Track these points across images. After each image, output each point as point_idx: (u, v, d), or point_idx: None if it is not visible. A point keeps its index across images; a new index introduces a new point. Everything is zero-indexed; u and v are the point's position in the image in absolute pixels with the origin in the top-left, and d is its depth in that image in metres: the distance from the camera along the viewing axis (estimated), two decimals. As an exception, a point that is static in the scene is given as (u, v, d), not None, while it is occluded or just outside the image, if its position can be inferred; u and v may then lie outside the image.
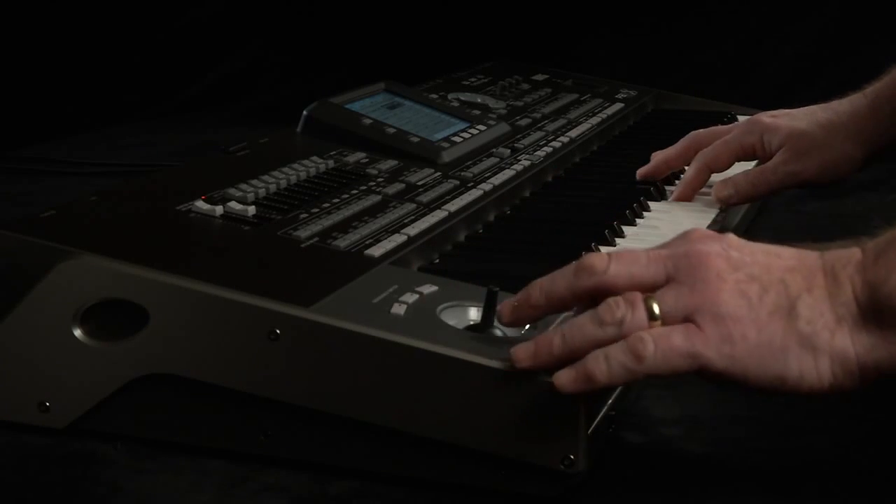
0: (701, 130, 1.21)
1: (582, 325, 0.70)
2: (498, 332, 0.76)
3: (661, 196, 1.17)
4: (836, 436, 0.82)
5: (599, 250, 0.98)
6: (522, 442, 0.71)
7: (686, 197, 1.16)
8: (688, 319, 0.68)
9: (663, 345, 0.67)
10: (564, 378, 0.69)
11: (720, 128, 1.22)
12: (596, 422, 0.73)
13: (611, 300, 0.69)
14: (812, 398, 0.68)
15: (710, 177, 1.17)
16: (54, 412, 0.80)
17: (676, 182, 1.20)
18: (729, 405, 0.86)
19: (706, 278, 0.68)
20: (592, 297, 0.71)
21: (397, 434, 0.74)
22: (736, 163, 1.18)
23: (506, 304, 0.74)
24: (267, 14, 2.19)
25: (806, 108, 1.17)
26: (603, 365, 0.68)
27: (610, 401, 0.76)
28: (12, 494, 0.75)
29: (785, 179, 1.14)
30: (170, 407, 0.79)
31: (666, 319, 0.68)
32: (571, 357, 0.69)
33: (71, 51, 1.89)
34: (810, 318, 0.68)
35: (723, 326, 0.67)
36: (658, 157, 1.21)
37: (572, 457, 0.70)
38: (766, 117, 1.18)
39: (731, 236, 0.72)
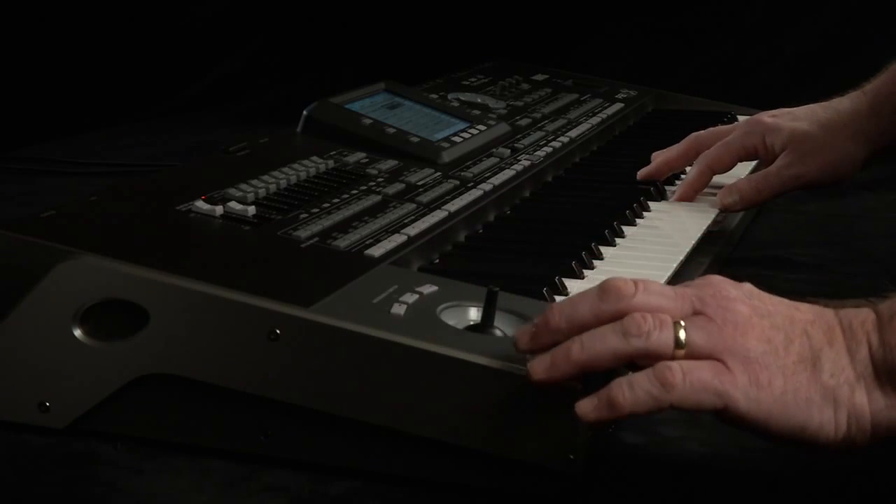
0: (702, 132, 1.21)
1: (603, 335, 0.68)
2: (498, 332, 0.76)
3: (661, 196, 1.17)
4: (836, 436, 0.82)
5: (599, 250, 0.98)
6: (522, 442, 0.71)
7: (687, 198, 1.16)
8: (713, 357, 0.67)
9: (692, 377, 0.66)
10: (586, 406, 0.67)
11: (721, 128, 1.22)
12: (596, 422, 0.73)
13: (637, 314, 0.68)
14: (824, 451, 0.68)
15: (712, 178, 1.17)
16: (54, 412, 0.80)
17: (677, 182, 1.20)
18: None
19: (736, 321, 0.68)
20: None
21: (397, 434, 0.74)
22: (738, 163, 1.18)
23: (523, 331, 0.72)
24: (267, 14, 2.19)
25: (806, 106, 1.17)
26: (627, 392, 0.66)
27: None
28: (12, 494, 0.75)
29: (788, 182, 1.14)
30: (170, 407, 0.79)
31: (691, 349, 0.67)
32: (589, 367, 0.68)
33: (71, 50, 1.89)
34: (833, 371, 0.68)
35: (751, 371, 0.67)
36: (659, 157, 1.21)
37: (572, 457, 0.70)
38: (767, 117, 1.18)
39: (749, 285, 0.71)
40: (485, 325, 0.76)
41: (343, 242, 0.88)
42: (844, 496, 0.75)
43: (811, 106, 1.17)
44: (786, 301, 0.71)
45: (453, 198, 1.03)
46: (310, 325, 0.74)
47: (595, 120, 1.41)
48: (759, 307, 0.69)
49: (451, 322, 0.77)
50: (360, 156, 1.10)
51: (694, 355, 0.67)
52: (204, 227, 0.88)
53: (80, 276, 0.78)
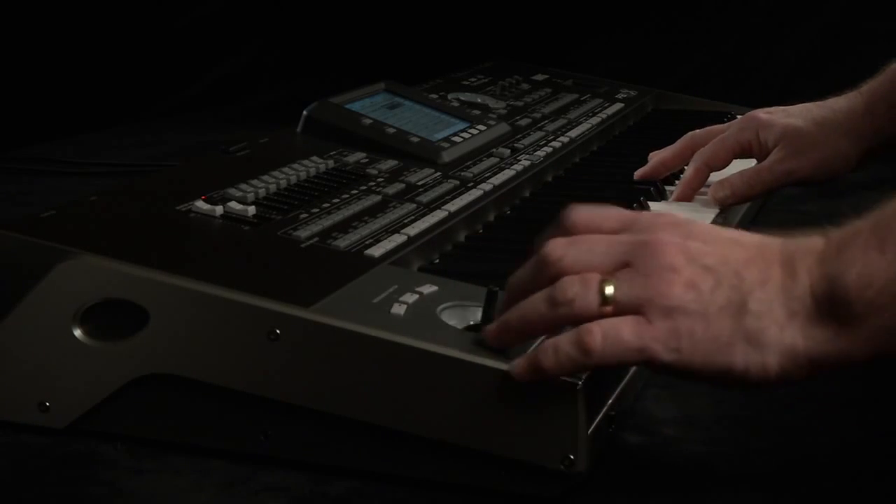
0: (698, 130, 1.21)
1: (535, 304, 0.70)
2: (498, 332, 0.76)
3: (661, 196, 1.17)
4: (836, 436, 0.82)
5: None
6: (522, 442, 0.71)
7: (686, 197, 1.16)
8: (638, 310, 0.68)
9: (612, 337, 0.67)
10: (517, 367, 0.70)
11: (716, 127, 1.23)
12: (596, 422, 0.73)
13: (566, 279, 0.70)
14: (759, 389, 0.69)
15: (709, 176, 1.17)
16: (54, 412, 0.80)
17: (676, 182, 1.20)
18: (729, 405, 0.86)
19: (661, 270, 0.68)
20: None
21: (397, 434, 0.74)
22: (734, 160, 1.18)
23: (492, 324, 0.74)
24: (267, 14, 2.19)
25: (801, 105, 1.17)
26: (551, 357, 0.68)
27: (610, 401, 0.76)
28: (12, 494, 0.75)
29: (780, 178, 1.14)
30: (170, 407, 0.79)
31: (618, 304, 0.68)
32: (528, 333, 0.71)
33: (71, 51, 1.89)
34: (760, 314, 0.67)
35: (671, 321, 0.67)
36: (655, 157, 1.21)
37: (572, 457, 0.70)
38: (762, 114, 1.18)
39: (698, 223, 0.72)
40: (485, 325, 0.76)
41: (343, 242, 0.88)
42: (845, 496, 0.75)
43: (807, 104, 1.17)
44: (731, 236, 0.71)
45: (453, 198, 1.03)
46: (310, 325, 0.74)
47: (595, 120, 1.41)
48: (694, 250, 0.69)
49: (451, 322, 0.77)
50: (360, 156, 1.10)
51: (619, 311, 0.68)
52: (204, 227, 0.88)
53: (80, 276, 0.78)
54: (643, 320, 0.68)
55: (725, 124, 1.24)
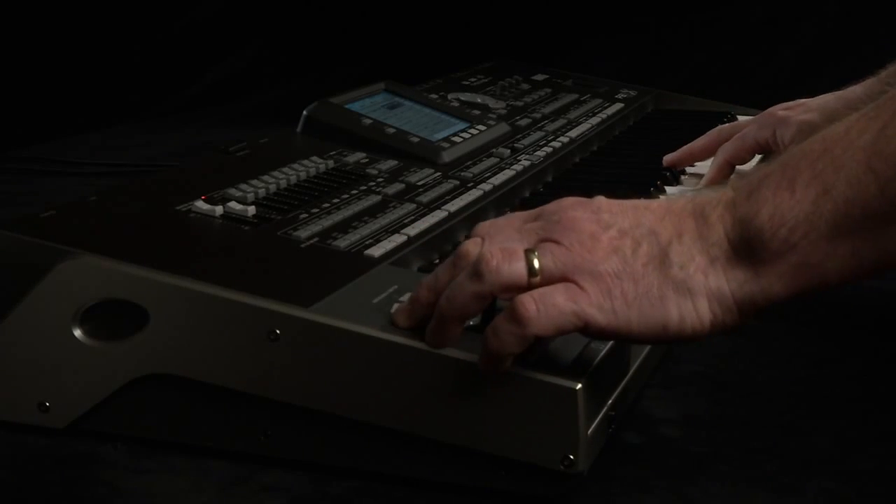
0: (725, 125, 1.24)
1: (461, 284, 0.70)
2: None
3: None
4: (836, 436, 0.82)
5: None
6: (522, 442, 0.71)
7: None
8: (567, 279, 0.69)
9: (545, 305, 0.68)
10: (481, 363, 0.70)
11: (742, 122, 1.24)
12: (596, 422, 0.73)
13: (486, 252, 0.70)
14: (696, 340, 0.69)
15: (732, 171, 1.18)
16: (54, 412, 0.80)
17: (682, 178, 1.22)
18: (729, 405, 0.86)
19: (581, 239, 0.69)
20: None
21: (397, 434, 0.74)
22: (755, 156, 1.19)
23: (399, 310, 0.74)
24: (267, 14, 2.19)
25: (820, 97, 1.18)
26: (494, 340, 0.68)
27: (610, 401, 0.76)
28: (12, 494, 0.75)
29: None
30: (170, 407, 0.79)
31: (544, 274, 0.69)
32: (462, 317, 0.71)
33: (71, 51, 1.89)
34: (683, 263, 0.69)
35: (602, 283, 0.68)
36: (685, 147, 1.23)
37: (572, 457, 0.70)
38: (780, 110, 1.19)
39: (601, 198, 0.73)
40: (485, 325, 0.76)
41: (343, 242, 0.88)
42: (845, 496, 0.75)
43: (825, 96, 1.17)
44: (635, 203, 0.72)
45: (453, 198, 1.03)
46: (309, 325, 0.74)
47: (595, 120, 1.41)
48: (605, 219, 0.70)
49: (451, 322, 0.76)
50: (360, 156, 1.10)
51: (548, 280, 0.69)
52: (204, 227, 0.88)
53: (80, 276, 0.78)
54: (575, 287, 0.68)
55: (748, 119, 1.25)
